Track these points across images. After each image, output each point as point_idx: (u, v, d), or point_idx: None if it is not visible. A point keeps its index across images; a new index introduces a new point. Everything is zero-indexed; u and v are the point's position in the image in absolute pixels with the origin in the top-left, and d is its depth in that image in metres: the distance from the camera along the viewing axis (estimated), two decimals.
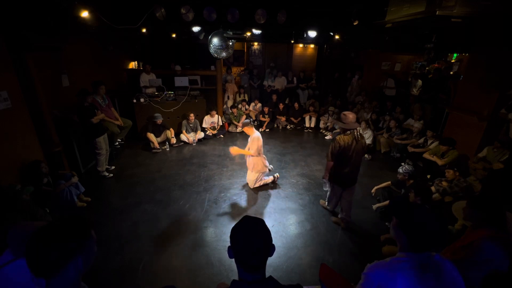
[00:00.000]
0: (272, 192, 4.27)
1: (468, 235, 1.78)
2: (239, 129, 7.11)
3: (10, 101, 3.20)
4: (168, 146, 5.95)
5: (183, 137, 6.22)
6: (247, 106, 7.82)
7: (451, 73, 7.41)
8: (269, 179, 4.46)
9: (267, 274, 1.12)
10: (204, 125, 6.66)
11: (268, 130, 7.43)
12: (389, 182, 3.93)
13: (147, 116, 6.18)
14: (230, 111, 7.29)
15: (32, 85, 3.60)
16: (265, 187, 4.41)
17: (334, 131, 6.97)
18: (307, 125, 7.62)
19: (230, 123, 7.27)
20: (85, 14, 3.67)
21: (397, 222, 1.27)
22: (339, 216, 3.52)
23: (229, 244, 1.09)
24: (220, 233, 3.30)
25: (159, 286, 2.43)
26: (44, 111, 3.80)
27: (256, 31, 5.21)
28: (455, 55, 8.27)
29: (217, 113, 6.83)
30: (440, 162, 4.38)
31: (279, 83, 8.79)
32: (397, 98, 7.77)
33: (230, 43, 4.27)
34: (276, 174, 4.59)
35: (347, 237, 3.30)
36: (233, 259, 1.09)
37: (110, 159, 4.84)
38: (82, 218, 1.01)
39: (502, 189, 2.85)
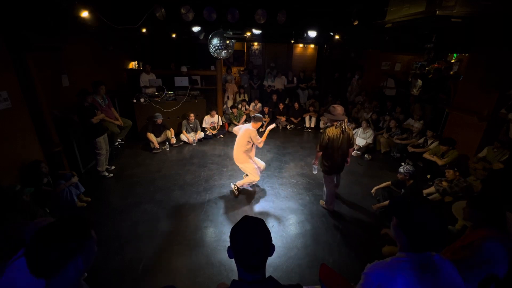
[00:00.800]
0: (272, 192, 4.27)
1: (468, 235, 1.77)
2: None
3: (10, 101, 3.20)
4: (168, 146, 5.95)
5: (183, 137, 6.22)
6: (247, 106, 7.82)
7: (451, 73, 7.41)
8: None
9: (267, 274, 1.12)
10: (204, 125, 6.66)
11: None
12: (389, 182, 3.94)
13: (147, 116, 6.18)
14: (230, 111, 7.29)
15: (32, 85, 3.60)
16: (264, 186, 4.41)
17: None
18: (307, 125, 7.63)
19: (230, 123, 7.27)
20: (85, 14, 3.67)
21: (397, 222, 1.27)
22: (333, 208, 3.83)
23: (229, 244, 1.09)
24: (220, 233, 3.30)
25: (159, 286, 2.44)
26: (44, 111, 3.79)
27: (256, 31, 5.21)
28: (455, 55, 8.26)
29: (217, 113, 6.83)
30: (440, 162, 4.38)
31: (279, 83, 8.79)
32: (397, 98, 7.77)
33: (230, 43, 4.27)
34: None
35: (347, 237, 3.30)
36: (233, 259, 1.09)
37: (110, 159, 4.84)
38: (82, 218, 1.01)
39: (502, 189, 2.85)
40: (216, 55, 4.32)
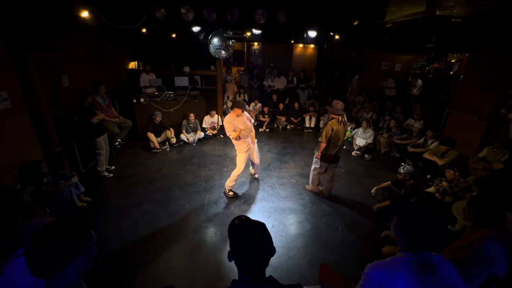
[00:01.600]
0: (272, 192, 4.27)
1: (468, 235, 1.77)
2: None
3: (10, 101, 3.20)
4: (168, 146, 5.95)
5: (183, 137, 6.22)
6: (247, 107, 7.81)
7: (451, 73, 7.41)
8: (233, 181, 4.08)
9: (267, 274, 1.12)
10: (204, 125, 6.66)
11: (268, 130, 7.43)
12: (389, 182, 3.93)
13: (147, 116, 6.18)
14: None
15: (32, 85, 3.60)
16: (265, 187, 4.41)
17: None
18: (307, 125, 7.62)
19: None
20: (85, 14, 3.66)
21: (397, 222, 1.27)
22: (319, 188, 4.15)
23: (229, 246, 1.09)
24: (220, 233, 3.30)
25: (159, 286, 2.44)
26: (44, 111, 3.79)
27: (256, 31, 5.21)
28: (455, 55, 8.26)
29: (217, 113, 6.83)
30: (440, 162, 4.38)
31: (279, 83, 8.78)
32: (397, 98, 7.77)
33: (230, 43, 4.27)
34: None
35: (347, 237, 3.30)
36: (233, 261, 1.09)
37: (110, 159, 4.84)
38: (82, 218, 1.01)
39: (502, 189, 2.85)
40: (216, 55, 4.31)
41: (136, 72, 7.91)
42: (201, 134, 6.46)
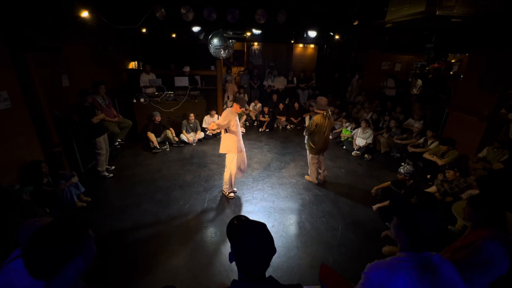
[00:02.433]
0: (272, 192, 4.27)
1: (468, 235, 1.78)
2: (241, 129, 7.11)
3: (10, 101, 3.20)
4: (168, 146, 5.95)
5: (183, 137, 6.22)
6: (247, 106, 7.82)
7: (451, 73, 7.41)
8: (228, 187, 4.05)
9: (267, 274, 1.12)
10: (204, 125, 6.66)
11: (268, 130, 7.42)
12: (389, 182, 3.93)
13: (147, 116, 6.18)
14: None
15: (32, 85, 3.60)
16: (264, 187, 4.41)
17: (334, 131, 6.97)
18: (307, 125, 7.60)
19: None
20: (85, 14, 3.67)
21: (397, 222, 1.27)
22: (319, 176, 4.60)
23: (230, 247, 1.09)
24: (220, 233, 3.30)
25: (159, 286, 2.44)
26: (44, 111, 3.79)
27: (256, 31, 5.21)
28: (455, 55, 8.26)
29: (217, 113, 6.83)
30: (440, 162, 4.38)
31: (279, 83, 8.78)
32: (397, 98, 7.77)
33: (230, 43, 4.26)
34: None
35: (347, 237, 3.30)
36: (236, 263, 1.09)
37: (110, 159, 4.84)
38: (80, 218, 1.01)
39: (502, 189, 2.85)
40: (216, 55, 4.31)
41: (136, 72, 7.90)
42: (201, 134, 6.46)
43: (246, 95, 8.55)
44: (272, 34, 6.10)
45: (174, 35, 6.86)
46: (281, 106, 7.74)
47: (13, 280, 1.20)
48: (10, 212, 2.63)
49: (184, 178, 4.64)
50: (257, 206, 3.89)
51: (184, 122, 6.30)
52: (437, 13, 2.73)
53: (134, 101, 6.21)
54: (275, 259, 2.87)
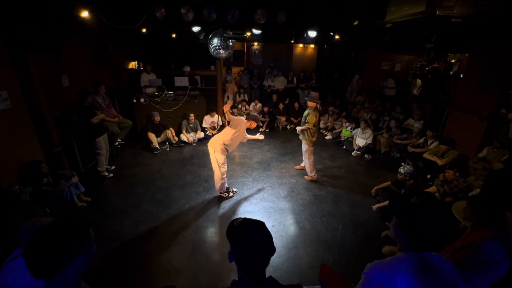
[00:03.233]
0: (272, 192, 4.27)
1: (468, 235, 1.78)
2: None
3: (10, 101, 3.20)
4: (168, 146, 5.95)
5: (183, 137, 6.22)
6: (247, 106, 7.82)
7: (451, 73, 7.41)
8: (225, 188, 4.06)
9: (267, 274, 1.12)
10: (204, 125, 6.66)
11: (268, 130, 7.42)
12: (389, 182, 3.93)
13: (147, 116, 6.18)
14: (231, 111, 7.28)
15: (32, 85, 3.60)
16: (265, 186, 4.41)
17: (334, 131, 6.98)
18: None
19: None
20: (85, 14, 3.67)
21: (397, 221, 1.27)
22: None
23: (230, 247, 1.09)
24: (220, 233, 3.31)
25: (159, 286, 2.44)
26: (44, 111, 3.79)
27: (256, 31, 5.21)
28: (455, 55, 8.26)
29: (217, 113, 6.83)
30: (440, 162, 4.37)
31: (279, 83, 8.78)
32: (397, 98, 7.77)
33: (230, 43, 4.26)
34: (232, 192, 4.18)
35: (347, 237, 3.30)
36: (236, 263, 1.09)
37: (110, 159, 4.84)
38: (80, 218, 1.01)
39: (502, 189, 2.84)
40: (216, 55, 4.31)
41: (136, 72, 7.91)
42: (201, 134, 6.46)
43: (246, 95, 8.55)
44: (272, 34, 6.10)
45: (174, 35, 6.86)
46: (281, 106, 7.74)
47: (13, 280, 1.20)
48: (10, 212, 2.63)
49: (184, 178, 4.64)
50: (257, 206, 3.89)
51: (184, 122, 6.30)
52: (437, 13, 2.73)
53: (134, 101, 6.21)
54: (275, 259, 2.87)
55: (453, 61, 8.14)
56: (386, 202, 3.60)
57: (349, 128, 6.44)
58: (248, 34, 5.59)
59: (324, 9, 4.73)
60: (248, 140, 4.13)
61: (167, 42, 8.17)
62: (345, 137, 6.32)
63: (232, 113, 7.24)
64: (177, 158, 5.50)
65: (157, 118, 5.88)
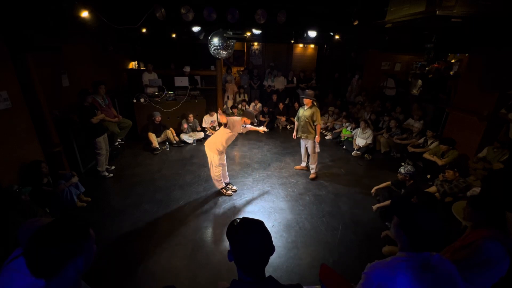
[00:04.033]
0: (272, 192, 4.27)
1: (468, 235, 1.77)
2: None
3: (10, 101, 3.20)
4: (168, 146, 5.95)
5: (183, 137, 6.22)
6: (247, 106, 7.82)
7: (451, 73, 7.41)
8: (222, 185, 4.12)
9: (267, 274, 1.12)
10: (204, 125, 6.66)
11: (268, 130, 7.41)
12: (389, 182, 3.93)
13: (147, 116, 6.19)
14: (231, 111, 7.29)
15: (32, 85, 3.60)
16: (264, 186, 4.41)
17: (334, 131, 6.98)
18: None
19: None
20: (85, 14, 3.67)
21: (398, 221, 1.27)
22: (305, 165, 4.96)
23: (229, 247, 1.09)
24: (220, 233, 3.31)
25: (159, 286, 2.44)
26: (44, 111, 3.79)
27: (256, 31, 5.21)
28: (455, 55, 8.26)
29: (216, 113, 6.83)
30: (440, 162, 4.37)
31: (279, 83, 8.78)
32: (397, 98, 7.77)
33: (230, 43, 4.27)
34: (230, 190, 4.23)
35: (347, 237, 3.30)
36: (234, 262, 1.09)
37: (110, 159, 4.84)
38: (80, 218, 1.01)
39: (502, 189, 2.84)
40: (216, 55, 4.31)
41: (136, 72, 7.91)
42: (201, 134, 6.46)
43: (246, 95, 8.55)
44: (272, 34, 6.11)
45: (174, 35, 6.87)
46: (281, 106, 7.74)
47: (13, 280, 1.20)
48: (10, 212, 2.63)
49: (184, 178, 4.64)
50: (257, 206, 3.89)
51: (184, 122, 6.30)
52: (437, 13, 2.73)
53: (134, 101, 6.21)
54: (275, 259, 2.87)
55: (453, 61, 8.15)
56: (386, 202, 3.60)
57: (349, 128, 6.44)
58: (248, 34, 5.60)
59: (324, 9, 4.73)
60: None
61: (167, 42, 8.18)
62: (345, 137, 6.32)
63: (232, 113, 7.24)
64: (177, 158, 5.50)
65: (158, 118, 5.88)
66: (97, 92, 4.68)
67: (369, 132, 5.79)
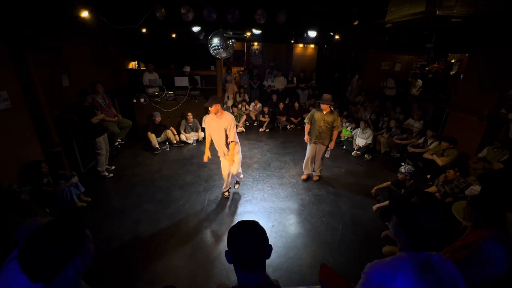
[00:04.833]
0: (272, 192, 4.27)
1: (468, 235, 1.77)
2: (239, 129, 7.11)
3: (10, 101, 3.20)
4: (168, 146, 5.95)
5: (183, 137, 6.22)
6: (247, 106, 7.82)
7: (451, 73, 7.41)
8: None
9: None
10: (204, 125, 6.66)
11: (268, 130, 7.42)
12: (389, 182, 3.93)
13: (147, 116, 6.19)
14: (231, 110, 7.29)
15: (32, 85, 3.60)
16: (264, 187, 4.41)
17: None
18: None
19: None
20: (85, 14, 3.67)
21: (397, 221, 1.27)
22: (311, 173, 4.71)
23: (226, 249, 1.09)
24: (220, 233, 3.31)
25: (159, 286, 2.44)
26: (44, 111, 3.79)
27: (256, 31, 5.21)
28: (455, 55, 8.27)
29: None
30: (440, 162, 4.37)
31: (279, 83, 8.79)
32: (397, 98, 7.77)
33: (230, 43, 4.27)
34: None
35: (347, 237, 3.30)
36: (232, 264, 1.09)
37: (110, 159, 4.84)
38: (75, 218, 1.01)
39: (503, 189, 2.84)
40: (216, 55, 4.31)
41: (136, 72, 7.91)
42: (201, 134, 6.45)
43: (246, 95, 8.56)
44: (272, 34, 6.11)
45: (174, 35, 6.87)
46: (281, 106, 7.74)
47: (13, 280, 1.20)
48: (10, 212, 2.63)
49: (184, 178, 4.64)
50: (257, 206, 3.89)
51: (183, 122, 6.30)
52: (437, 13, 2.73)
53: (134, 101, 6.21)
54: (275, 259, 2.87)
55: (453, 61, 8.15)
56: (386, 202, 3.60)
57: (349, 128, 6.43)
58: (248, 34, 5.60)
59: (324, 9, 4.73)
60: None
61: (167, 42, 8.18)
62: (345, 137, 6.32)
63: (233, 113, 7.24)
64: (177, 158, 5.50)
65: (158, 119, 5.88)
66: (96, 92, 4.68)
67: (369, 132, 5.79)
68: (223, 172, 3.93)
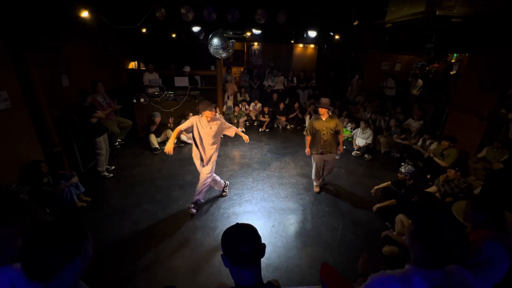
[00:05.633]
0: (272, 192, 4.27)
1: (468, 235, 1.77)
2: (240, 129, 7.11)
3: (10, 101, 3.20)
4: None
5: (183, 137, 6.22)
6: (247, 106, 7.82)
7: (451, 73, 7.41)
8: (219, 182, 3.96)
9: (267, 275, 1.12)
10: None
11: (268, 130, 7.42)
12: (389, 182, 3.93)
13: (147, 116, 6.19)
14: (232, 109, 7.30)
15: (32, 85, 3.60)
16: (264, 187, 4.41)
17: None
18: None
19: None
20: (85, 14, 3.67)
21: (414, 229, 1.11)
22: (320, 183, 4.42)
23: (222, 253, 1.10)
24: (220, 233, 3.30)
25: (159, 286, 2.43)
26: (44, 111, 3.79)
27: (256, 31, 5.21)
28: (455, 55, 8.26)
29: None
30: (443, 164, 4.34)
31: (279, 83, 8.79)
32: (397, 98, 7.77)
33: (230, 43, 4.27)
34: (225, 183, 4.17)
35: (347, 237, 3.30)
36: (229, 268, 1.10)
37: (110, 159, 4.84)
38: (75, 219, 1.01)
39: (503, 189, 2.84)
40: (216, 55, 4.31)
41: (136, 72, 7.91)
42: None
43: (246, 95, 8.56)
44: (272, 34, 6.11)
45: (174, 35, 6.87)
46: (281, 106, 7.74)
47: (13, 280, 1.20)
48: (10, 212, 2.63)
49: (184, 178, 4.64)
50: (257, 206, 3.89)
51: (183, 121, 6.30)
52: (437, 13, 2.73)
53: (134, 101, 6.21)
54: (275, 259, 2.87)
55: (453, 61, 8.15)
56: (386, 202, 3.60)
57: (349, 128, 6.43)
58: (248, 34, 5.60)
59: (324, 9, 4.73)
60: (249, 133, 4.09)
61: (167, 42, 8.19)
62: (345, 137, 6.32)
63: (233, 112, 7.24)
64: (177, 158, 5.49)
65: (158, 120, 5.87)
66: (97, 91, 4.68)
67: (369, 132, 5.79)
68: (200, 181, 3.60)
